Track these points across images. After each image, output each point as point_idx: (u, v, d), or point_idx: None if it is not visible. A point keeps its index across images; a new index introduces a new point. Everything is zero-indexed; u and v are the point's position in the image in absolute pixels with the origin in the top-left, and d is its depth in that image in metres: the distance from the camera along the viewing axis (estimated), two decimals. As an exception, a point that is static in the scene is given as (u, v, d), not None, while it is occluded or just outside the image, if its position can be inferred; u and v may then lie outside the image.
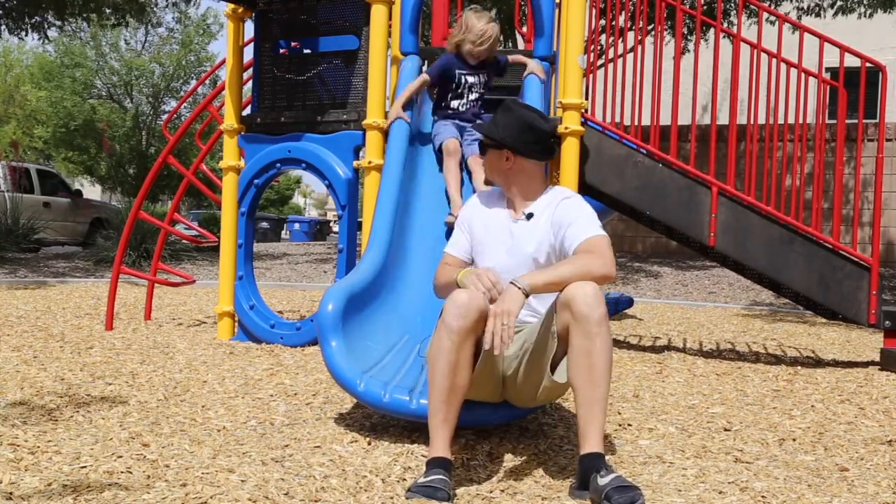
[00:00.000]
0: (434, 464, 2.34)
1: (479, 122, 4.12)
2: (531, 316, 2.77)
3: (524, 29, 8.07)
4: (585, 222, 2.66)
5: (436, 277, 2.93)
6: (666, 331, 6.51)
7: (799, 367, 4.74)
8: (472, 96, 4.33)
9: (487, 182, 3.02)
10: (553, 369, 2.55)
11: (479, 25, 4.19)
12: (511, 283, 2.45)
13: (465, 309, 2.41)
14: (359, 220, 4.83)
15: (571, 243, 2.63)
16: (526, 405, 2.80)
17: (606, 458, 2.35)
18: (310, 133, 4.83)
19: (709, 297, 9.75)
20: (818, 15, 13.09)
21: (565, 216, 2.72)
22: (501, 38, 14.62)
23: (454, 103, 4.31)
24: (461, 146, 4.14)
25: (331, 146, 4.74)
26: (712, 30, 7.13)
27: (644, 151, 4.89)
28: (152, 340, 4.94)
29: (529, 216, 2.80)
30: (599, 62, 10.10)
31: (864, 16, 12.69)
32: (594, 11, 5.17)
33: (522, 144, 2.80)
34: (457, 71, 4.29)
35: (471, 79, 4.32)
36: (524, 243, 2.79)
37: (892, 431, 3.21)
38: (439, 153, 4.20)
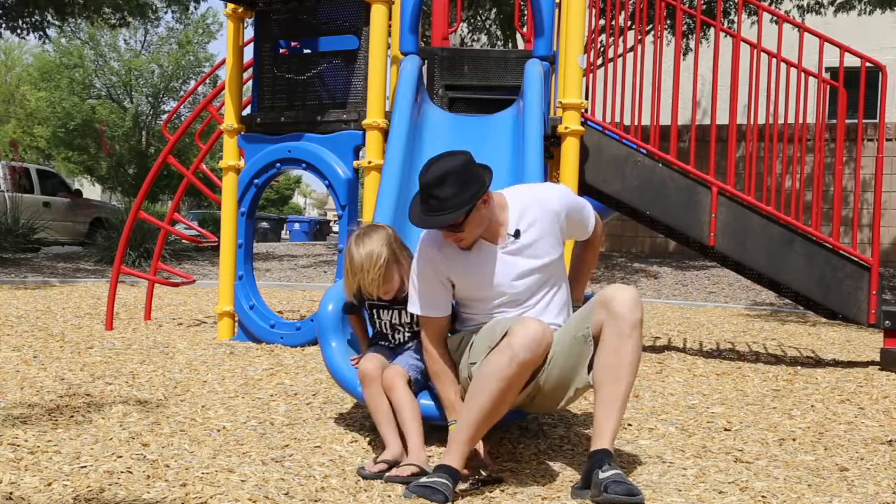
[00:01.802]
0: (442, 469, 2.31)
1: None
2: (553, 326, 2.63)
3: (524, 29, 8.07)
4: (589, 212, 2.77)
5: (431, 354, 2.64)
6: (666, 331, 6.51)
7: (799, 367, 4.74)
8: (399, 336, 2.90)
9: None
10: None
11: (354, 256, 2.73)
12: None
13: (536, 344, 2.33)
14: (359, 220, 4.83)
15: (588, 230, 2.80)
16: (548, 412, 2.79)
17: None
18: (310, 133, 4.83)
19: (709, 297, 9.75)
20: (818, 13, 13.08)
21: (576, 217, 2.70)
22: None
23: (381, 342, 2.94)
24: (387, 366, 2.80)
25: (331, 146, 4.74)
26: (712, 29, 7.12)
27: (644, 151, 4.89)
28: (152, 340, 4.94)
29: (517, 234, 2.61)
30: (599, 62, 10.10)
31: (865, 13, 12.68)
32: (594, 11, 5.18)
33: (483, 178, 2.53)
34: (367, 302, 2.91)
35: (385, 315, 2.90)
36: (527, 261, 2.61)
37: (892, 431, 3.21)
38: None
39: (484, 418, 2.35)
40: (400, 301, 2.81)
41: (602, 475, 2.24)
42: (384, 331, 2.91)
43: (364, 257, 2.70)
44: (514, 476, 2.55)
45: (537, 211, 2.63)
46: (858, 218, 6.19)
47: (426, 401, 2.74)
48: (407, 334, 2.89)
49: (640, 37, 4.98)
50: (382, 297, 2.80)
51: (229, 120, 5.15)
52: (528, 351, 2.31)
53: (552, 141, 4.56)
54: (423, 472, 2.41)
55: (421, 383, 2.77)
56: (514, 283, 2.61)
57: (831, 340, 6.21)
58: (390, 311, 2.87)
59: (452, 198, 2.47)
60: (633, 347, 2.38)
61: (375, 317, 2.91)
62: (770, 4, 12.56)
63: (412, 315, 2.80)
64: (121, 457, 2.55)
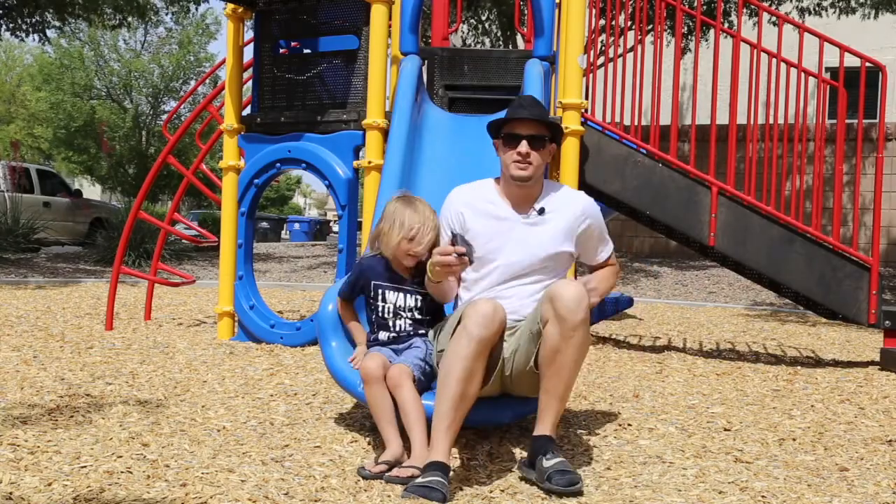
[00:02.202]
0: (432, 466, 2.34)
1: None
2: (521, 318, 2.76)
3: (524, 29, 8.06)
4: (606, 240, 2.92)
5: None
6: (666, 331, 6.51)
7: (799, 367, 4.74)
8: (400, 324, 2.87)
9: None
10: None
11: (415, 214, 2.82)
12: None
13: (488, 319, 2.42)
14: (359, 220, 4.83)
15: (599, 259, 2.94)
16: (527, 395, 2.82)
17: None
18: (310, 133, 4.83)
19: (709, 297, 9.75)
20: (819, 15, 13.08)
21: (599, 228, 2.88)
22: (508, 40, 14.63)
23: (381, 335, 2.88)
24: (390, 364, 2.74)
25: (331, 146, 4.74)
26: (712, 30, 7.13)
27: (644, 151, 4.89)
28: (152, 340, 4.94)
29: (541, 211, 2.79)
30: (599, 62, 10.09)
31: (867, 17, 12.68)
32: (594, 11, 5.17)
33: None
34: (373, 282, 2.87)
35: (391, 296, 2.86)
36: (537, 240, 2.78)
37: (892, 431, 3.21)
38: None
39: (456, 402, 2.41)
40: (410, 282, 2.87)
41: (546, 463, 2.37)
42: (385, 317, 2.87)
43: (425, 212, 2.83)
44: (514, 476, 2.55)
45: (560, 203, 2.83)
46: (858, 218, 6.19)
47: (429, 401, 2.74)
48: (409, 322, 2.87)
49: (640, 37, 4.98)
50: (412, 258, 2.82)
51: (229, 120, 5.15)
52: (481, 327, 2.41)
53: (552, 141, 4.55)
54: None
55: (423, 384, 2.77)
56: (519, 252, 2.76)
57: (831, 340, 6.21)
58: (397, 293, 2.87)
59: (548, 115, 2.81)
60: (574, 348, 2.47)
61: (380, 300, 2.87)
62: (770, 5, 12.55)
63: (416, 299, 2.87)
64: (121, 457, 2.55)
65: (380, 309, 2.88)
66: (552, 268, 2.80)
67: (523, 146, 2.72)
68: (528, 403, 2.86)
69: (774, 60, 4.78)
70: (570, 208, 2.81)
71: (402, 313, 2.87)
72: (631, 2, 5.45)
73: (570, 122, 4.48)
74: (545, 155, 2.78)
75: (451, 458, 2.48)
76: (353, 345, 3.02)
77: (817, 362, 5.04)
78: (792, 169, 5.02)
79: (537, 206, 2.79)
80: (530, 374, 2.63)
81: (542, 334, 2.50)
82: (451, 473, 2.39)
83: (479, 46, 14.91)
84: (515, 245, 2.77)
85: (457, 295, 2.89)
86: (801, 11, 13.12)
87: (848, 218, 12.41)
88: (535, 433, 2.50)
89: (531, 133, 2.74)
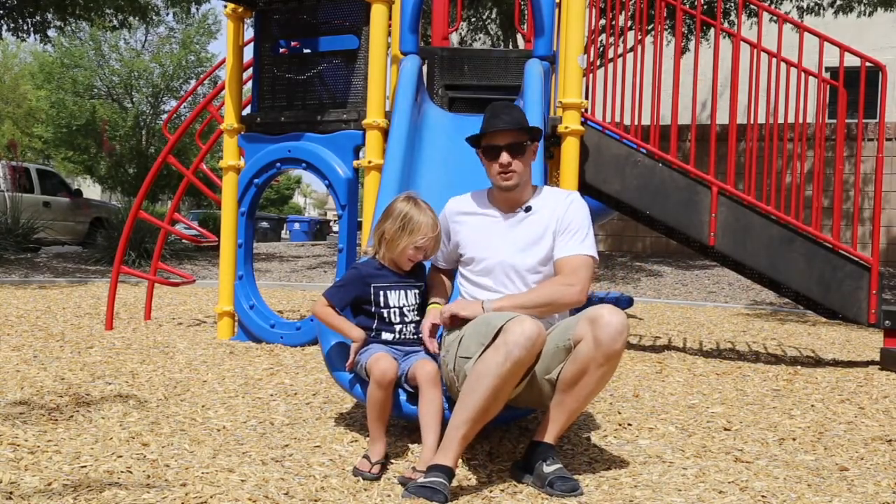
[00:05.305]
0: (437, 468, 2.32)
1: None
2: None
3: (524, 29, 8.06)
4: (579, 237, 2.75)
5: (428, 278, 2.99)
6: (666, 331, 6.51)
7: (799, 367, 4.74)
8: (406, 330, 2.82)
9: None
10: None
11: (423, 218, 2.78)
12: (483, 301, 2.64)
13: (531, 342, 2.36)
14: (359, 219, 4.83)
15: (556, 254, 2.76)
16: (526, 405, 2.80)
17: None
18: (310, 133, 4.83)
19: (709, 296, 9.75)
20: (817, 14, 13.08)
21: (568, 222, 2.76)
22: (500, 39, 14.65)
23: (385, 335, 2.80)
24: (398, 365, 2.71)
25: (331, 146, 4.74)
26: (712, 29, 7.13)
27: (644, 151, 4.89)
28: (152, 340, 4.94)
29: (528, 209, 2.82)
30: (599, 62, 10.10)
31: (864, 14, 12.67)
32: (594, 11, 5.17)
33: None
34: (373, 286, 2.82)
35: (393, 297, 2.82)
36: (524, 233, 2.79)
37: (892, 431, 3.21)
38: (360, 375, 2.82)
39: (478, 416, 2.38)
40: (409, 275, 2.86)
41: (547, 469, 2.39)
42: (391, 319, 2.79)
43: (433, 218, 2.81)
44: (515, 475, 2.55)
45: (549, 201, 2.83)
46: (859, 217, 6.19)
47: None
48: (412, 327, 2.81)
49: (640, 37, 4.98)
50: (411, 261, 2.82)
51: (229, 120, 5.15)
52: (524, 349, 2.35)
53: (552, 141, 4.56)
54: None
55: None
56: (507, 247, 2.78)
57: (831, 340, 6.21)
58: (398, 291, 2.82)
59: (522, 119, 2.78)
60: (602, 374, 2.46)
61: (382, 304, 2.79)
62: (770, 5, 12.55)
63: (415, 294, 2.85)
64: (121, 457, 2.55)
65: (384, 314, 2.80)
66: (545, 260, 2.76)
67: (504, 157, 2.74)
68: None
69: (774, 60, 4.79)
70: (555, 202, 2.81)
71: (406, 315, 2.82)
72: (631, 2, 5.45)
73: (570, 121, 4.48)
74: (528, 159, 2.79)
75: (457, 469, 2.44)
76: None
77: (817, 362, 5.04)
78: (792, 168, 5.01)
79: (525, 204, 2.83)
80: (539, 385, 2.57)
81: (572, 353, 2.47)
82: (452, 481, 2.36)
83: (478, 46, 14.91)
84: (502, 240, 2.80)
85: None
86: (801, 10, 13.12)
87: (848, 217, 12.41)
88: (537, 439, 2.50)
89: (509, 142, 2.75)
